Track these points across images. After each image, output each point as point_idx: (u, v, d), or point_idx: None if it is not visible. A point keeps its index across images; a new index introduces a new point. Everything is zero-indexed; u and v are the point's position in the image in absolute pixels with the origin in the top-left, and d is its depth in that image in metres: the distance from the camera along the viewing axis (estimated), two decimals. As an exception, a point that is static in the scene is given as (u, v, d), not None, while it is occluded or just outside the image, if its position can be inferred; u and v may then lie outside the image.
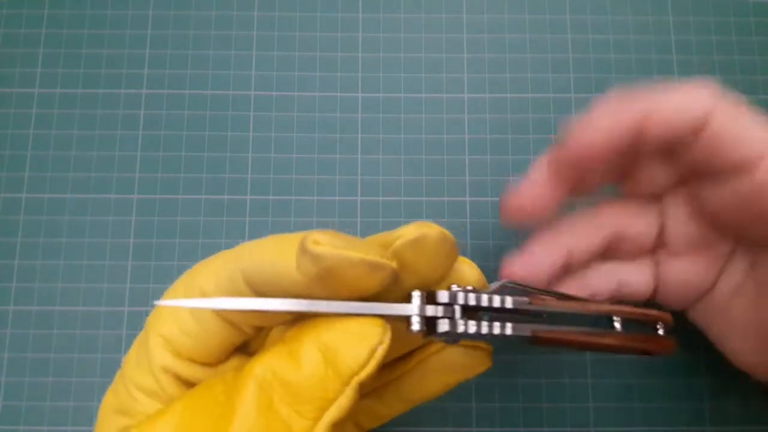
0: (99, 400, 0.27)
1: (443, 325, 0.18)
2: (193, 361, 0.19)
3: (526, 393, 0.28)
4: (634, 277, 0.23)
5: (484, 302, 0.18)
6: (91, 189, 0.29)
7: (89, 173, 0.30)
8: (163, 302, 0.17)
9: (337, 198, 0.29)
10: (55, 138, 0.30)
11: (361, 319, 0.17)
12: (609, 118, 0.20)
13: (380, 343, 0.16)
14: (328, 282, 0.16)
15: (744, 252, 0.22)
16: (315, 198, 0.29)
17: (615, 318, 0.20)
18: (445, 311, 0.18)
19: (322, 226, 0.29)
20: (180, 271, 0.28)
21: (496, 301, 0.18)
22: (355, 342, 0.16)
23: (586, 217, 0.23)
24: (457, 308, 0.18)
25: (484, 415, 0.28)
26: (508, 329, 0.18)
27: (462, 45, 0.31)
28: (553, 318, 0.19)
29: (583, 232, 0.22)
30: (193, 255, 0.29)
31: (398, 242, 0.17)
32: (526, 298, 0.19)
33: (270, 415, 0.16)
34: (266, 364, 0.17)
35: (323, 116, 0.30)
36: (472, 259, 0.24)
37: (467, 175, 0.30)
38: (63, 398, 0.27)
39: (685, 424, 0.28)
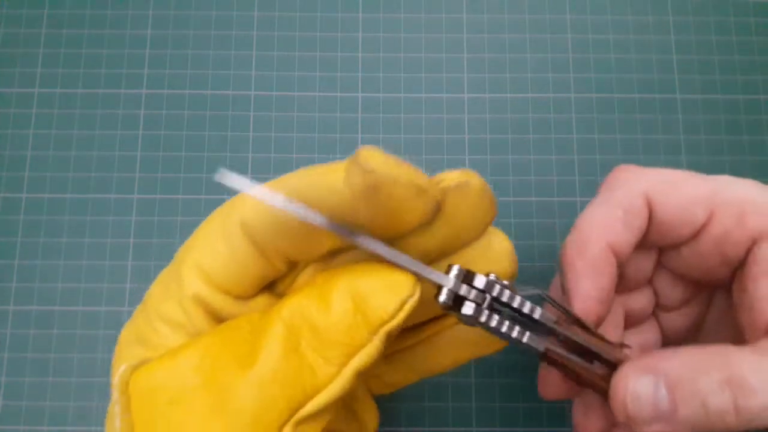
0: (99, 400, 0.27)
1: (468, 308, 0.17)
2: (224, 292, 0.18)
3: (525, 393, 0.28)
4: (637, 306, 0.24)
5: (515, 303, 0.18)
6: (91, 189, 0.29)
7: (89, 173, 0.30)
8: (229, 177, 0.16)
9: (337, 198, 0.29)
10: (55, 138, 0.30)
11: (395, 271, 0.17)
12: (593, 283, 0.20)
13: (411, 296, 0.17)
14: (373, 200, 0.16)
15: (721, 294, 0.23)
16: (315, 198, 0.29)
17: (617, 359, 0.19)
18: (476, 296, 0.18)
19: (322, 226, 0.29)
20: (180, 271, 0.29)
21: (526, 308, 0.18)
22: (387, 291, 0.16)
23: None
24: (488, 297, 0.18)
25: (484, 415, 0.28)
26: (526, 337, 0.18)
27: (462, 45, 0.31)
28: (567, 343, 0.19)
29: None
30: (193, 255, 0.29)
31: (442, 184, 0.17)
32: (553, 317, 0.19)
33: (295, 359, 0.16)
34: (295, 306, 0.17)
35: (323, 116, 0.30)
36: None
37: (467, 175, 0.30)
38: (63, 398, 0.27)
39: (685, 424, 0.28)
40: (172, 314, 0.18)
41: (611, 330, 0.22)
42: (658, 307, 0.24)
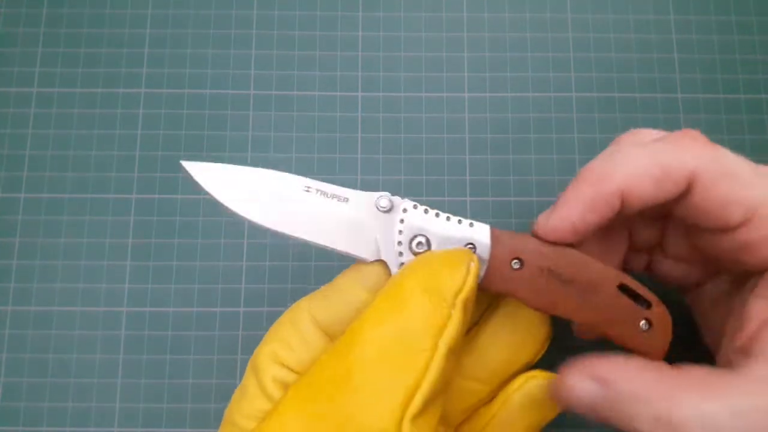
0: (97, 401, 0.27)
1: (406, 202, 0.21)
2: (296, 372, 0.20)
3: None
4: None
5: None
6: (90, 189, 0.29)
7: (88, 173, 0.29)
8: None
9: (336, 198, 0.29)
10: (54, 137, 0.30)
11: (447, 249, 0.19)
12: (582, 213, 0.19)
13: (471, 260, 0.18)
14: None
15: (728, 276, 0.22)
16: (315, 198, 0.29)
17: None
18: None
19: (322, 226, 0.29)
20: (179, 271, 0.28)
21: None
22: (449, 266, 0.18)
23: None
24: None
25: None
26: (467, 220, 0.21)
27: (462, 44, 0.31)
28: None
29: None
30: (192, 255, 0.29)
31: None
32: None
33: (388, 361, 0.17)
34: (374, 317, 0.18)
35: (323, 115, 0.30)
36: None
37: (467, 174, 0.30)
38: (61, 399, 0.27)
39: (687, 425, 0.27)
40: (255, 405, 0.20)
41: (612, 255, 0.23)
42: (661, 251, 0.23)
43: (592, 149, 0.30)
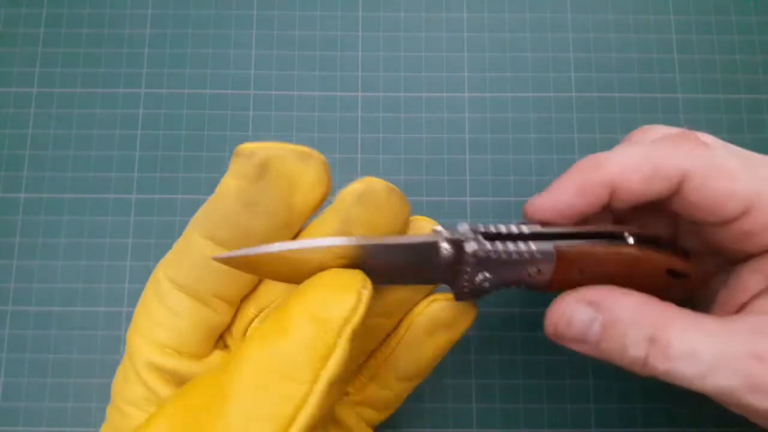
0: (98, 401, 0.27)
1: (470, 245, 0.19)
2: (176, 353, 0.19)
3: (526, 394, 0.28)
4: None
5: (503, 230, 0.20)
6: (90, 189, 0.29)
7: (88, 173, 0.29)
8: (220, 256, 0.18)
9: (336, 198, 0.29)
10: (54, 138, 0.30)
11: (339, 270, 0.18)
12: (569, 197, 0.20)
13: (364, 287, 0.17)
14: (267, 177, 0.18)
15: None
16: (315, 198, 0.29)
17: (626, 234, 0.20)
18: (466, 235, 0.19)
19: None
20: (179, 271, 0.28)
21: (513, 228, 0.20)
22: (340, 291, 0.17)
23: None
24: (479, 235, 0.19)
25: (485, 416, 0.27)
26: (532, 245, 0.19)
27: (462, 44, 0.31)
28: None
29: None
30: (192, 255, 0.28)
31: (347, 199, 0.19)
32: (537, 225, 0.20)
33: (268, 393, 0.16)
34: (256, 342, 0.17)
35: (323, 116, 0.30)
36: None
37: (467, 174, 0.30)
38: (61, 399, 0.27)
39: (686, 426, 0.27)
40: (135, 392, 0.19)
41: None
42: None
43: (592, 149, 0.30)
